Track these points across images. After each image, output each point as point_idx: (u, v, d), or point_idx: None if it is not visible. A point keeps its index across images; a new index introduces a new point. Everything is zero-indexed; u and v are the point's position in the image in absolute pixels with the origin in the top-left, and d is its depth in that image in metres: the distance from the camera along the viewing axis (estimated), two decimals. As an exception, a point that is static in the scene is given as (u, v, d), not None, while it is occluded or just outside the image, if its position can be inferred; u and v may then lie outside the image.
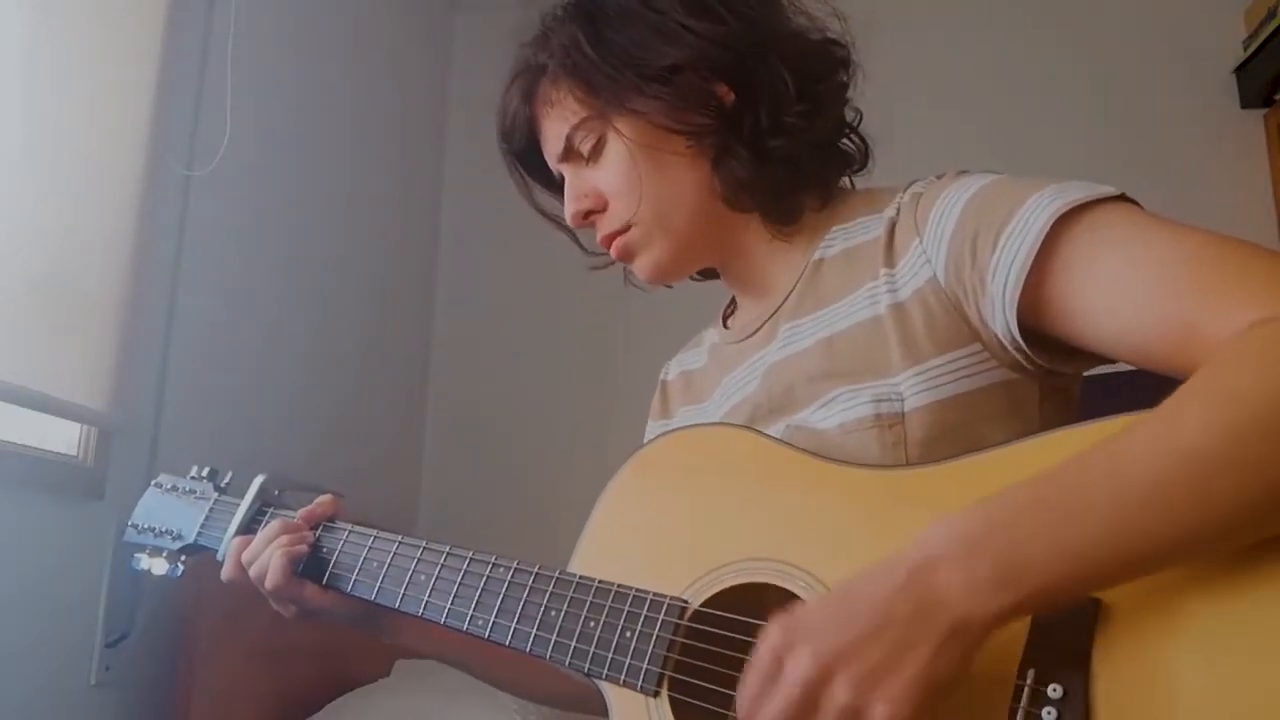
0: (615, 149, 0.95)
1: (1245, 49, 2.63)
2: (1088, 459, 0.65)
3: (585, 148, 0.97)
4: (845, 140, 0.99)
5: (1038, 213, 0.76)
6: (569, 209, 0.99)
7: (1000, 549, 0.63)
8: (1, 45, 1.60)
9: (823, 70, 0.96)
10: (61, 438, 1.79)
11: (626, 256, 0.99)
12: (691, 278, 1.09)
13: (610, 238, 0.98)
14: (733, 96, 0.93)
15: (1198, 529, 0.62)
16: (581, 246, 1.09)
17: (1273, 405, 0.61)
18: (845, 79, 0.98)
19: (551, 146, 0.99)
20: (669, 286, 1.04)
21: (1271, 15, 2.51)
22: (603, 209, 0.98)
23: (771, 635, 0.67)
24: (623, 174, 0.95)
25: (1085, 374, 0.89)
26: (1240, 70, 2.66)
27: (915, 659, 0.63)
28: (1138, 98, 2.73)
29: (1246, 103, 2.66)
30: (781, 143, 0.92)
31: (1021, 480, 0.66)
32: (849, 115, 0.99)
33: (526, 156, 1.04)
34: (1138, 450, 0.64)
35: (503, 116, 1.02)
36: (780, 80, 0.93)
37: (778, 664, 0.65)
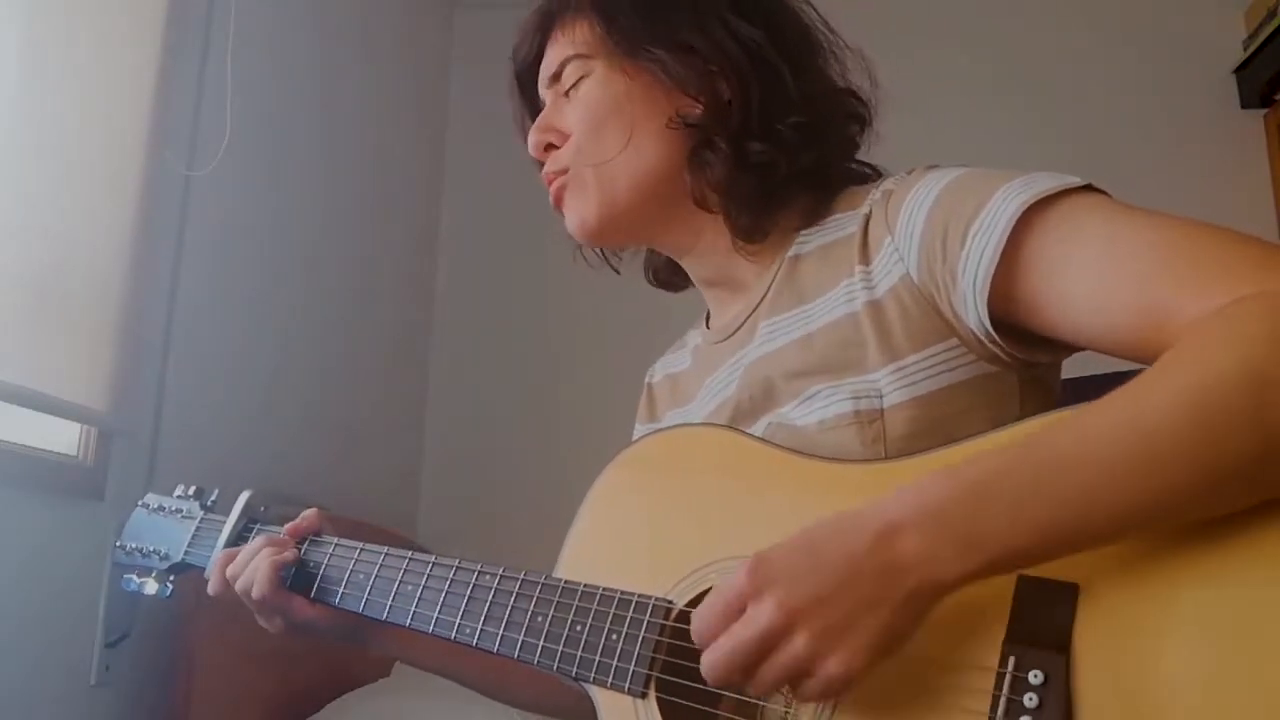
0: (591, 90, 0.96)
1: (1245, 49, 2.64)
2: (1054, 430, 0.67)
3: (570, 80, 0.98)
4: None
5: (1005, 205, 0.77)
6: (531, 137, 1.00)
7: (963, 517, 0.65)
8: (1, 45, 1.61)
9: (830, 111, 0.96)
10: (61, 438, 1.79)
11: (557, 200, 1.00)
12: (672, 287, 1.10)
13: (550, 177, 0.99)
14: (729, 98, 0.93)
15: (1159, 499, 0.63)
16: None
17: (1237, 378, 0.62)
18: (855, 135, 0.99)
19: (546, 70, 1.01)
20: (599, 249, 1.06)
21: (1271, 15, 2.51)
22: (560, 146, 0.98)
23: (739, 579, 0.69)
24: (587, 115, 0.96)
25: (1070, 376, 0.89)
26: (1240, 70, 2.66)
27: (874, 619, 0.65)
28: (1138, 97, 2.73)
29: (1246, 103, 2.66)
30: (762, 149, 0.92)
31: (989, 450, 0.68)
32: (861, 170, 0.99)
33: (524, 81, 1.05)
34: (1104, 422, 0.65)
35: (520, 33, 1.03)
36: (783, 94, 0.93)
37: (741, 606, 0.68)
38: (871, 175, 1.00)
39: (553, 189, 0.99)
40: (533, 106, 1.06)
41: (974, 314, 0.79)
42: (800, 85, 0.94)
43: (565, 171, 0.97)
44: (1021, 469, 0.66)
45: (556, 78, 0.99)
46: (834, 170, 0.98)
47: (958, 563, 0.65)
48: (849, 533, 0.67)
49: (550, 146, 0.99)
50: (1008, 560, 0.66)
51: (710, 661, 0.69)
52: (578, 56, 0.97)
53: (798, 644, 0.66)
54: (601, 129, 0.95)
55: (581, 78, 0.97)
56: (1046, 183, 0.77)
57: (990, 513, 0.65)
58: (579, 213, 0.98)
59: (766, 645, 0.67)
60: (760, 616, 0.66)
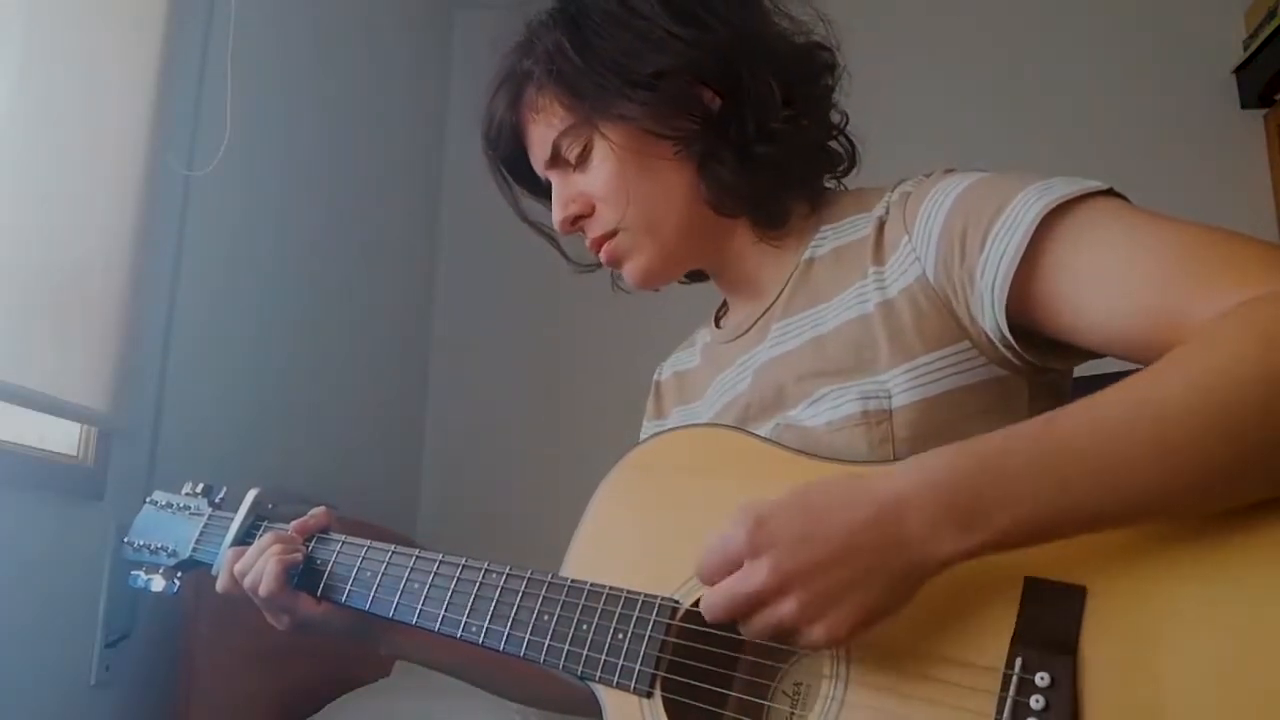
0: (602, 154, 0.95)
1: (1245, 49, 2.64)
2: (1060, 416, 0.67)
3: (572, 154, 0.97)
4: (832, 142, 0.99)
5: (1025, 210, 0.77)
6: (557, 215, 0.99)
7: (968, 494, 0.66)
8: (1, 45, 1.61)
9: (808, 74, 0.96)
10: (61, 438, 1.78)
11: (615, 263, 0.99)
12: (680, 280, 1.10)
13: (598, 242, 0.99)
14: (718, 102, 0.93)
15: (1162, 487, 0.64)
16: (563, 253, 1.09)
17: (1249, 369, 0.62)
18: (830, 83, 0.98)
19: (538, 153, 1.00)
20: (655, 290, 1.05)
21: (1271, 15, 2.51)
22: (590, 214, 0.98)
23: (737, 535, 0.70)
24: (609, 179, 0.95)
25: (1079, 375, 0.89)
26: (1240, 70, 2.66)
27: (865, 593, 0.67)
28: (1138, 98, 2.73)
29: (1246, 103, 2.66)
30: (768, 149, 0.93)
31: (995, 432, 0.68)
32: (835, 118, 0.99)
33: (512, 162, 1.05)
34: (1110, 411, 0.66)
35: (488, 123, 1.03)
36: (766, 86, 0.93)
37: (739, 561, 0.69)
38: (848, 149, 1.00)
39: (604, 254, 0.99)
40: (522, 182, 1.06)
41: (991, 317, 0.79)
42: (767, 59, 0.94)
43: (612, 234, 0.97)
44: (1031, 449, 0.66)
45: (556, 158, 0.98)
46: (822, 132, 0.98)
47: (958, 540, 0.66)
48: (850, 502, 0.68)
49: (580, 217, 0.99)
50: (1009, 539, 0.66)
51: (708, 604, 0.71)
52: (566, 133, 0.96)
53: (787, 607, 0.67)
54: (625, 188, 0.95)
55: (584, 146, 0.96)
56: (1067, 187, 0.77)
57: (996, 491, 0.65)
58: (639, 265, 0.98)
59: (758, 602, 0.68)
60: (755, 576, 0.68)
